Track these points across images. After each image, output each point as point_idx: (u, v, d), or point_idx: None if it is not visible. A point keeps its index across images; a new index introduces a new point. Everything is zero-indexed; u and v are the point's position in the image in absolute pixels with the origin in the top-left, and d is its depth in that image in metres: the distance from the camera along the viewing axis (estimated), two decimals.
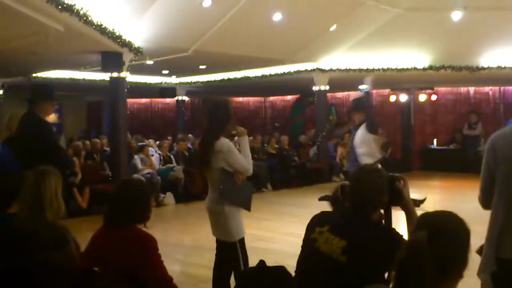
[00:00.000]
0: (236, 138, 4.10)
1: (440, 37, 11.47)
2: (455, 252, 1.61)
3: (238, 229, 3.90)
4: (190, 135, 13.84)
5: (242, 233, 3.93)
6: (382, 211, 2.62)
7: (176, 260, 6.03)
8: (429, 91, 15.37)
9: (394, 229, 2.46)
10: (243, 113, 19.73)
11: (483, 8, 10.42)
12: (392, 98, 15.67)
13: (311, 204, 9.94)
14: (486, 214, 2.68)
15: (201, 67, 13.08)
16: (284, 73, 13.16)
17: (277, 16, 9.54)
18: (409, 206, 2.52)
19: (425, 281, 1.50)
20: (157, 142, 12.41)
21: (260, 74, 13.66)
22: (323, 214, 2.55)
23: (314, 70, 12.82)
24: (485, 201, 2.63)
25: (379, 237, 2.31)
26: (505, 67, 12.24)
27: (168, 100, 19.00)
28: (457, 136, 15.67)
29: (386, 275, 2.33)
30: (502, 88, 15.73)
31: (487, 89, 16.02)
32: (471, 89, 16.19)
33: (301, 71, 12.91)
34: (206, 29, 9.46)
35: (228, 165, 3.89)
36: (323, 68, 12.78)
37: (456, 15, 10.65)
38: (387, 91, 16.13)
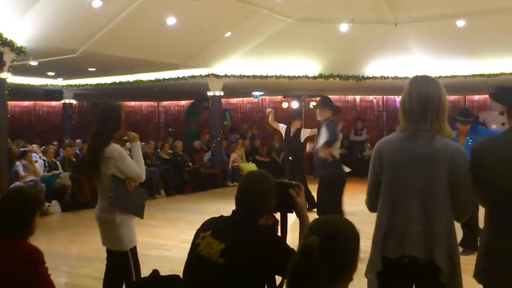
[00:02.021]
0: (127, 143, 3.95)
1: (330, 47, 12.00)
2: (346, 256, 1.64)
3: (130, 238, 3.75)
4: (78, 140, 13.18)
5: (134, 241, 3.78)
6: (278, 217, 2.63)
7: (63, 273, 5.70)
8: (318, 98, 15.97)
9: (275, 234, 2.48)
10: (136, 117, 19.24)
11: (368, 21, 11.08)
12: (284, 105, 16.11)
13: (205, 210, 9.94)
14: (373, 216, 2.79)
15: (90, 69, 12.54)
16: (178, 77, 13.02)
17: (171, 20, 9.41)
18: (302, 214, 2.52)
19: (317, 285, 1.51)
20: (42, 148, 11.68)
21: (153, 78, 13.40)
22: (209, 220, 2.51)
23: (208, 75, 12.82)
24: (372, 204, 2.73)
25: (257, 241, 2.30)
26: (388, 77, 13.07)
27: (53, 103, 18.05)
28: (344, 142, 16.44)
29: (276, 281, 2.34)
30: (385, 97, 16.83)
31: (371, 97, 17.04)
32: (357, 97, 17.14)
33: (196, 76, 12.85)
34: (96, 30, 9.09)
35: (120, 172, 3.73)
36: (217, 73, 12.83)
37: (344, 27, 11.22)
38: (279, 97, 16.57)
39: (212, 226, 2.42)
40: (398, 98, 16.46)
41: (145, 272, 3.82)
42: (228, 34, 10.77)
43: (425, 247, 2.48)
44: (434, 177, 2.50)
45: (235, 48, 11.86)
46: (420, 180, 2.52)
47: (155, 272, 1.79)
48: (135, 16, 8.84)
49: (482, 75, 12.38)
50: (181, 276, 2.17)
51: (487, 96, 14.36)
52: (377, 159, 2.66)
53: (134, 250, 3.76)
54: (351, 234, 1.69)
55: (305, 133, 9.69)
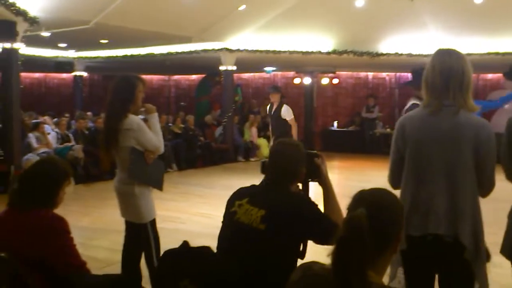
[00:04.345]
0: (140, 116, 3.90)
1: (344, 22, 11.81)
2: (392, 227, 1.64)
3: (149, 210, 3.73)
4: (89, 113, 13.19)
5: (153, 214, 3.77)
6: (300, 186, 2.68)
7: (77, 244, 5.71)
8: (331, 74, 15.85)
9: (310, 198, 2.56)
10: (147, 91, 19.10)
11: None
12: (297, 81, 15.98)
13: (217, 185, 9.96)
14: None
15: (102, 41, 12.46)
16: (190, 51, 12.92)
17: None
18: (327, 182, 2.62)
19: (365, 257, 1.49)
20: (54, 120, 11.70)
21: (165, 52, 13.30)
22: (242, 189, 2.58)
23: (221, 49, 12.70)
24: (394, 181, 2.71)
25: (295, 204, 2.39)
26: (401, 54, 12.88)
27: (64, 75, 18.01)
28: (356, 119, 16.37)
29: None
30: (397, 74, 16.63)
31: (384, 74, 16.86)
32: (370, 74, 16.95)
33: (208, 50, 12.73)
34: (110, 1, 8.98)
35: (138, 144, 3.69)
36: (230, 48, 12.70)
37: (359, 2, 11.02)
38: (291, 73, 16.42)
39: (247, 194, 2.49)
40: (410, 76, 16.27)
41: (163, 245, 3.82)
42: (242, 7, 10.62)
43: (450, 224, 2.45)
44: (458, 152, 2.47)
45: (248, 22, 11.71)
46: (445, 156, 2.49)
47: (185, 243, 1.77)
48: None
49: (497, 53, 12.19)
50: (211, 247, 2.18)
51: (501, 74, 14.16)
52: (400, 136, 2.63)
53: (153, 222, 3.75)
54: (396, 206, 1.69)
55: (288, 112, 9.11)
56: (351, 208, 1.64)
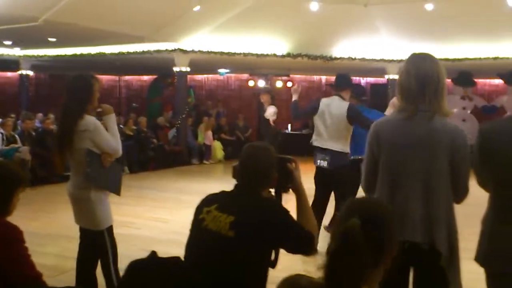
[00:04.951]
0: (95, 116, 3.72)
1: (299, 26, 11.88)
2: (386, 237, 1.59)
3: (106, 216, 3.56)
4: (40, 114, 12.69)
5: (110, 220, 3.60)
6: (273, 193, 2.60)
7: None
8: (285, 77, 15.90)
9: (281, 204, 2.47)
10: None
11: (338, 1, 11.00)
12: (251, 83, 15.94)
13: (170, 188, 9.77)
14: None
15: (50, 39, 12.01)
16: (143, 51, 12.64)
17: None
18: (300, 188, 2.52)
19: (360, 269, 1.44)
20: None
21: (116, 51, 12.97)
22: (211, 195, 2.48)
23: (175, 50, 12.49)
24: (368, 186, 2.66)
25: (266, 209, 2.31)
26: (355, 59, 13.06)
27: (9, 74, 17.30)
28: (309, 122, 16.46)
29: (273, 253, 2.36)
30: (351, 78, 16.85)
31: None
32: (323, 78, 17.12)
33: (161, 51, 12.51)
34: None
35: (95, 146, 3.52)
36: (184, 49, 12.51)
37: (314, 6, 11.10)
38: (245, 75, 16.36)
39: (216, 200, 2.39)
40: (363, 80, 16.55)
41: (119, 251, 3.67)
42: (197, 8, 10.47)
43: (426, 231, 2.43)
44: (433, 159, 2.45)
45: (203, 23, 11.57)
46: (420, 162, 2.46)
47: (153, 254, 1.66)
48: None
49: (447, 60, 12.54)
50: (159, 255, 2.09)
51: (449, 80, 14.62)
52: (374, 140, 2.59)
53: (110, 229, 3.58)
54: (389, 215, 1.64)
55: (269, 111, 9.70)
56: (344, 218, 1.56)
